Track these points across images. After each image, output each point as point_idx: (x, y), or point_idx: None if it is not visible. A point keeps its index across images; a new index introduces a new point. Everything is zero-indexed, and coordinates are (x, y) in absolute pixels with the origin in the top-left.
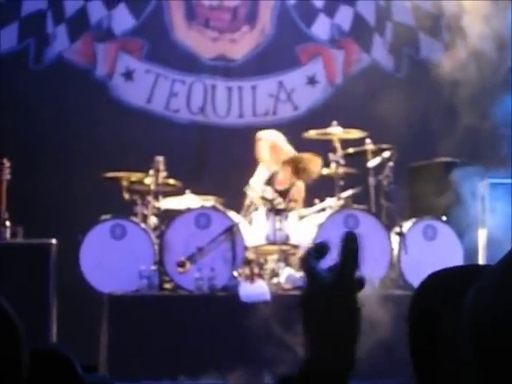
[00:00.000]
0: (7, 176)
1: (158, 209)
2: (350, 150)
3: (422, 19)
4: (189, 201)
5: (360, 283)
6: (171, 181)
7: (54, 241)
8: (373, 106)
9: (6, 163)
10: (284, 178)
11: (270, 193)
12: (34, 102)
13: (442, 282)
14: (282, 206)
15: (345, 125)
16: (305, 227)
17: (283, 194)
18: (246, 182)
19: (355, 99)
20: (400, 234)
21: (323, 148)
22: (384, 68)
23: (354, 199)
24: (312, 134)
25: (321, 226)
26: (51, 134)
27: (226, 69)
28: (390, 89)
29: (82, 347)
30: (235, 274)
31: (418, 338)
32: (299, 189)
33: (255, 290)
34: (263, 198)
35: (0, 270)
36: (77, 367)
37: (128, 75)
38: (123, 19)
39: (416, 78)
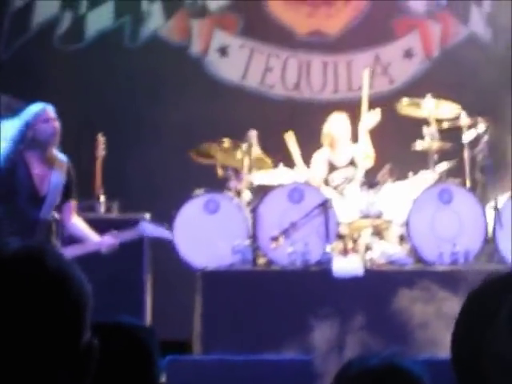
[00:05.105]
0: (102, 152)
1: (252, 183)
2: (445, 125)
3: None
4: (282, 175)
5: None
6: (264, 157)
7: (148, 215)
8: (471, 79)
9: (101, 139)
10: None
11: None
12: (129, 79)
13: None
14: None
15: (441, 98)
16: (398, 201)
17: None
18: None
19: (452, 72)
20: (495, 209)
21: (418, 121)
22: (482, 40)
23: (449, 173)
24: (405, 104)
25: (415, 200)
26: (146, 111)
27: (321, 44)
28: (488, 61)
29: (176, 322)
30: (328, 248)
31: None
32: (359, 149)
33: (348, 265)
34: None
35: None
36: (138, 337)
37: (223, 51)
38: None
39: None
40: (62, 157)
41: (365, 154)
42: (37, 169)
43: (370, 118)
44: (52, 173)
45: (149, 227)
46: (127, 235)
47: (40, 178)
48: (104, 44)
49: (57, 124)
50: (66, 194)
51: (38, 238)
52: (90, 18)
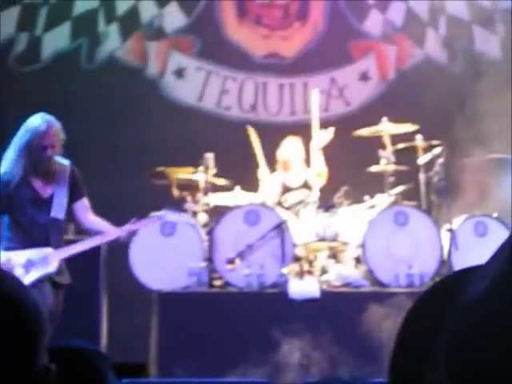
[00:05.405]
0: None
1: (208, 205)
2: (400, 146)
3: (477, 12)
4: (238, 197)
5: None
6: (221, 180)
7: None
8: (426, 102)
9: None
10: (296, 174)
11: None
12: (85, 100)
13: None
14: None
15: (397, 121)
16: (354, 224)
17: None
18: None
19: (408, 95)
20: (450, 231)
21: (373, 144)
22: (438, 62)
23: (405, 196)
24: (362, 131)
25: (371, 223)
26: (103, 132)
27: (277, 66)
28: (444, 83)
29: (132, 344)
30: (284, 270)
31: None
32: (313, 171)
33: (305, 287)
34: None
35: None
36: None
37: (179, 73)
38: (174, 17)
39: (471, 73)
40: (63, 162)
41: (317, 172)
42: (36, 178)
43: (323, 135)
44: (55, 179)
45: (169, 213)
46: (148, 221)
47: (40, 185)
48: (60, 65)
49: (52, 152)
50: (74, 195)
51: (53, 239)
52: (46, 39)
